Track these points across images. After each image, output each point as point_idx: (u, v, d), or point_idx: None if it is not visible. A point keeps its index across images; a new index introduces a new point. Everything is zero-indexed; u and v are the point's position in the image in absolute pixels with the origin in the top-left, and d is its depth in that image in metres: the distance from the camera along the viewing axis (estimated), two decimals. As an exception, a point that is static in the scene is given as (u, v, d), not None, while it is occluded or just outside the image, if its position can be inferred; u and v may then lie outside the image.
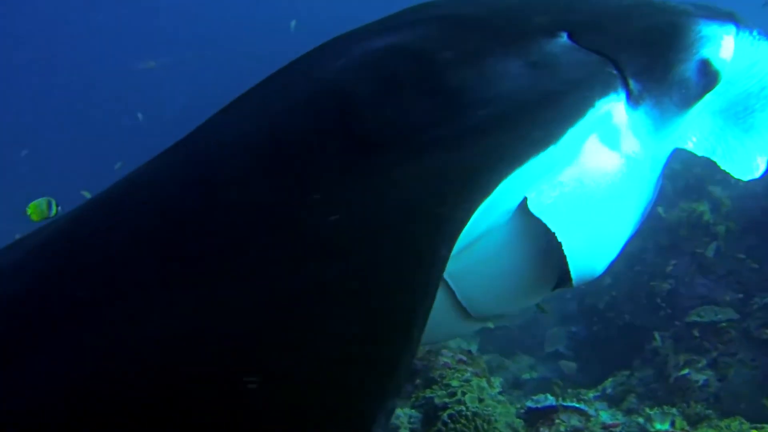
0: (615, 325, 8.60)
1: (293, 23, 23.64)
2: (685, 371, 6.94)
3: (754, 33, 2.46)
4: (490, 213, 2.00)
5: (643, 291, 8.41)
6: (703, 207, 8.39)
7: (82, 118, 31.29)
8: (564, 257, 2.10)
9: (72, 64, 32.05)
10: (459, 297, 2.28)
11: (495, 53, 2.26)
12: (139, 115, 25.33)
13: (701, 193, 8.48)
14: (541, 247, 2.19)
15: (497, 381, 6.14)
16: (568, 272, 2.16)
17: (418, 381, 5.63)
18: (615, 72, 2.23)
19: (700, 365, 7.04)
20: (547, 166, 2.04)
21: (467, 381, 5.31)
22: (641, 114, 2.28)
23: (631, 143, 2.27)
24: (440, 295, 2.22)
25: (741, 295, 7.68)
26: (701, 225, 8.34)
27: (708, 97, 2.42)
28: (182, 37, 32.34)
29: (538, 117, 2.05)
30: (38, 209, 4.31)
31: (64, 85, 31.72)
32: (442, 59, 2.25)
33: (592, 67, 2.24)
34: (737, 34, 2.42)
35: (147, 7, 32.76)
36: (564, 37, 2.32)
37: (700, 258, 8.21)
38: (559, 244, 2.07)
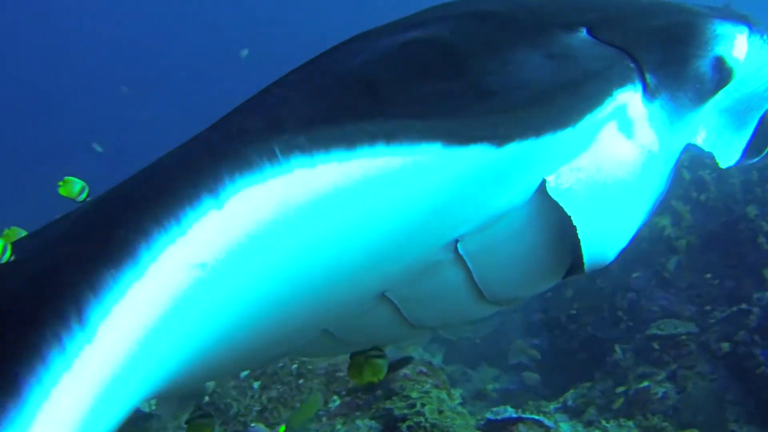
0: (577, 338, 8.66)
1: (245, 52, 24.06)
2: (645, 383, 7.00)
3: (765, 36, 2.55)
4: (507, 185, 2.05)
5: (606, 304, 8.48)
6: (665, 221, 8.48)
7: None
8: (578, 242, 2.16)
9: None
10: (475, 278, 2.33)
11: (520, 45, 2.36)
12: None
13: (663, 207, 8.55)
14: (556, 231, 2.24)
15: (457, 392, 6.16)
16: (580, 258, 2.22)
17: (378, 392, 5.63)
18: (633, 65, 2.31)
19: (659, 378, 7.11)
20: (563, 148, 2.09)
21: (427, 392, 5.31)
22: (657, 107, 2.35)
23: (646, 134, 2.34)
24: (458, 276, 2.29)
25: (701, 309, 7.78)
26: (663, 239, 8.44)
27: (719, 94, 2.50)
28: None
29: (557, 100, 2.10)
30: (69, 188, 4.13)
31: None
32: (469, 49, 2.36)
33: (610, 59, 2.31)
34: (750, 35, 2.50)
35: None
36: (584, 32, 2.41)
37: (662, 272, 8.31)
38: (574, 229, 2.13)
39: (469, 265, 2.25)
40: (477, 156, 1.81)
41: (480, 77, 2.15)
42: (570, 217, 2.08)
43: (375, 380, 3.27)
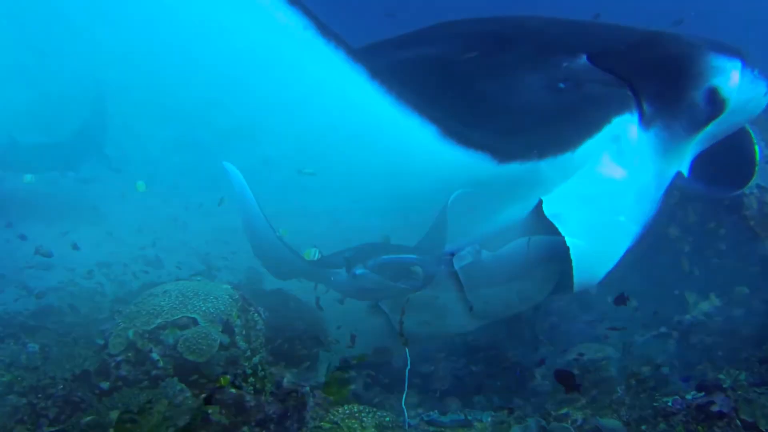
0: (497, 363, 8.53)
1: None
2: (564, 410, 6.87)
3: (756, 72, 2.59)
4: (505, 203, 2.08)
5: (526, 327, 8.39)
6: (587, 243, 8.44)
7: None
8: (570, 262, 2.19)
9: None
10: (467, 291, 2.37)
11: (525, 71, 2.44)
12: None
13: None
14: (549, 250, 2.28)
15: (370, 421, 5.95)
16: (570, 277, 2.25)
17: (287, 423, 5.38)
18: (630, 93, 2.36)
19: (578, 404, 6.99)
20: (562, 170, 2.11)
21: (337, 423, 5.11)
22: (651, 135, 2.41)
23: (640, 161, 2.40)
24: (452, 287, 2.32)
25: (622, 333, 7.75)
26: (584, 262, 8.39)
27: (712, 125, 2.57)
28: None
29: (559, 126, 2.15)
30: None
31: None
32: (476, 73, 2.46)
33: (610, 87, 2.36)
34: (743, 69, 2.53)
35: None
36: (584, 59, 2.47)
37: (583, 295, 8.26)
38: (567, 249, 2.15)
39: (462, 279, 2.29)
40: (473, 161, 1.79)
41: (486, 100, 2.21)
42: (563, 237, 2.09)
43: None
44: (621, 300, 6.55)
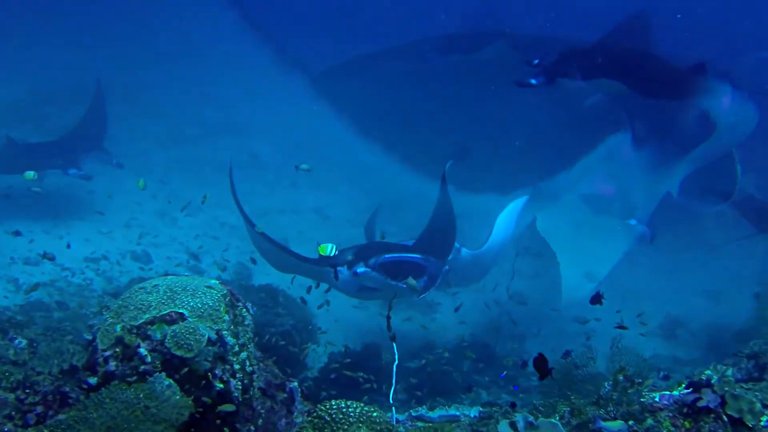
0: (486, 360, 8.54)
1: None
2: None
3: (744, 95, 2.62)
4: (507, 216, 2.09)
5: (515, 326, 8.40)
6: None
7: None
8: (559, 275, 2.19)
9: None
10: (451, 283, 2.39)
11: (521, 89, 2.44)
12: None
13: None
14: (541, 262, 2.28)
15: (358, 415, 5.90)
16: (559, 290, 2.27)
17: (275, 418, 5.36)
18: (624, 114, 2.37)
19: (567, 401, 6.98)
20: (557, 187, 2.12)
21: (324, 419, 5.06)
22: (644, 155, 2.43)
23: (632, 180, 2.41)
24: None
25: (608, 331, 7.77)
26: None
27: (701, 147, 2.59)
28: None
29: (557, 146, 2.15)
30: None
31: None
32: (471, 91, 2.47)
33: (604, 107, 2.36)
34: (733, 92, 2.56)
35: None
36: (579, 78, 2.45)
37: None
38: (558, 263, 2.16)
39: (451, 283, 2.30)
40: (480, 201, 1.81)
41: (486, 123, 2.21)
42: (554, 252, 2.10)
43: None
44: (596, 299, 6.64)
